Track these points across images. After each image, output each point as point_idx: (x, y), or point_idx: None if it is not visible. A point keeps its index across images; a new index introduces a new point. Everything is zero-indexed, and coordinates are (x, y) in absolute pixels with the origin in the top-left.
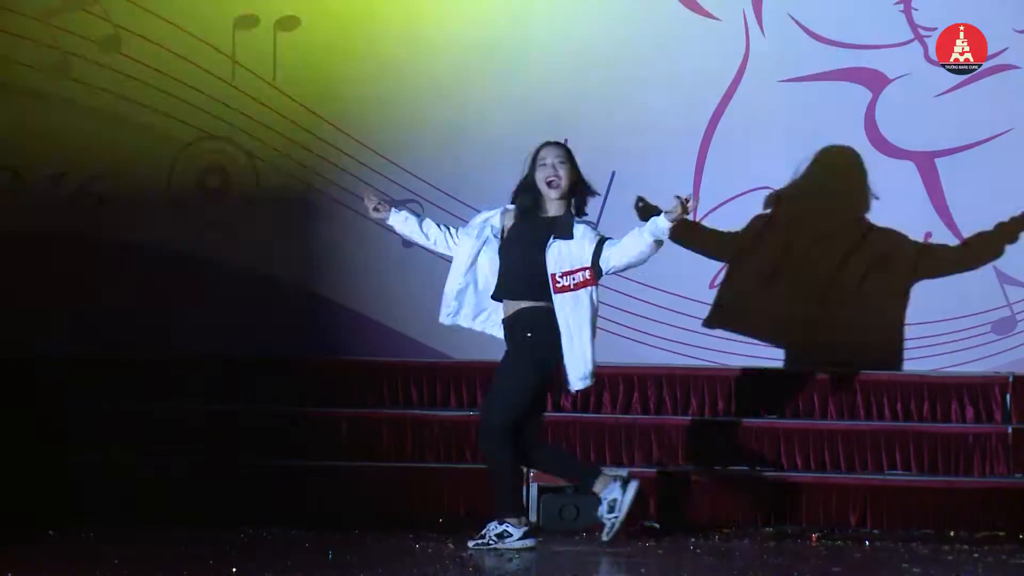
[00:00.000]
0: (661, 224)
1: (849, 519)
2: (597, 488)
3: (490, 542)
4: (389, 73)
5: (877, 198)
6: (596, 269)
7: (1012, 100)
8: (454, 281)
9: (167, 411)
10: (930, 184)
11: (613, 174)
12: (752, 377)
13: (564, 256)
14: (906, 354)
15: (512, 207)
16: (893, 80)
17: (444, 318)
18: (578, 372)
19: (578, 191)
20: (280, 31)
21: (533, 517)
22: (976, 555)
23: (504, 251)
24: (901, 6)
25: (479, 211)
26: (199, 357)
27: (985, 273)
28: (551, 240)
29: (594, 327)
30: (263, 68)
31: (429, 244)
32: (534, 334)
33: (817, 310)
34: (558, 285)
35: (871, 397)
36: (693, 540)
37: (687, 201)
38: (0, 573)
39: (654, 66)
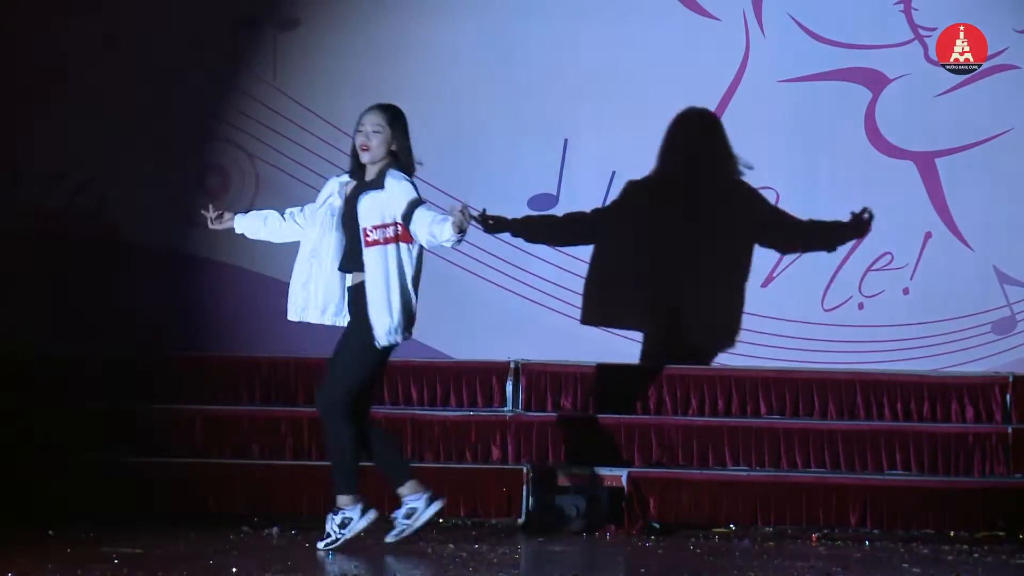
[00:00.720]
0: (444, 235)
1: (849, 519)
2: (404, 491)
3: (338, 537)
4: (389, 73)
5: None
6: (409, 229)
7: (1012, 100)
8: (298, 271)
9: (167, 411)
10: (930, 184)
11: (613, 174)
12: (752, 377)
13: (374, 208)
14: (906, 354)
15: (347, 177)
16: (893, 80)
17: (291, 314)
18: (383, 326)
19: (401, 162)
20: (280, 31)
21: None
22: (976, 555)
23: (340, 224)
24: (901, 6)
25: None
26: (198, 357)
27: (985, 273)
28: (361, 194)
29: (405, 285)
30: (263, 68)
31: (284, 239)
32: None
33: (817, 309)
34: (368, 239)
35: (871, 397)
36: (693, 540)
37: (464, 212)
38: (0, 573)
39: (654, 66)
